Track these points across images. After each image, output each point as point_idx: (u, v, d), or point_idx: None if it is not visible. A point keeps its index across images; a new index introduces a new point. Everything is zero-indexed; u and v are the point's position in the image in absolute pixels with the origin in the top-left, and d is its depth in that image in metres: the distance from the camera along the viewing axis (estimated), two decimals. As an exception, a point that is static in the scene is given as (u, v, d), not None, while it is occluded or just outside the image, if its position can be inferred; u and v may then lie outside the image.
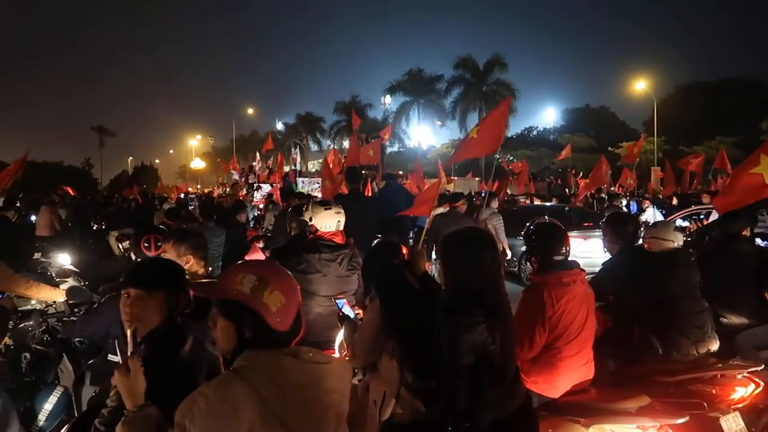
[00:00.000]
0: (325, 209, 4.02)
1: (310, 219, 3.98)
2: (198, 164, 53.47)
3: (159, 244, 4.03)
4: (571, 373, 3.16)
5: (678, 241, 4.02)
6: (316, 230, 3.95)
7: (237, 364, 1.68)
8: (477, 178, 30.42)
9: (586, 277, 3.38)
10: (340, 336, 3.19)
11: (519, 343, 3.11)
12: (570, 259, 3.34)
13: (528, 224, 3.57)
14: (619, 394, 2.92)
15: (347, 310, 3.17)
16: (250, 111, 58.15)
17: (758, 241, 6.28)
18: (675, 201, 14.08)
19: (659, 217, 11.81)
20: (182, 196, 22.11)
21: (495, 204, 9.94)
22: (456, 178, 30.10)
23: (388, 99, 51.33)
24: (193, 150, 69.39)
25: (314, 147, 56.94)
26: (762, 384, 3.33)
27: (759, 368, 3.36)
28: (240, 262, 1.92)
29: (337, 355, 3.28)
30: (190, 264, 3.21)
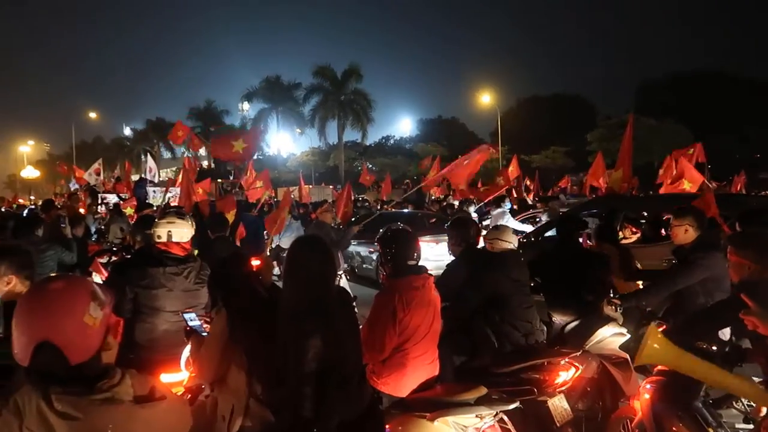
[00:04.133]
0: (159, 219, 3.87)
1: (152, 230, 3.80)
2: (31, 173, 48.11)
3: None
4: (418, 371, 3.32)
5: (514, 242, 4.41)
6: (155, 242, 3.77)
7: None
8: (330, 186, 30.82)
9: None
10: (186, 352, 3.07)
11: (370, 346, 3.23)
12: (420, 263, 3.52)
13: (382, 230, 3.71)
14: (460, 387, 3.12)
15: (195, 324, 3.05)
16: (93, 115, 53.60)
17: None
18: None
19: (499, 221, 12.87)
20: (11, 207, 19.78)
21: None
22: (311, 186, 30.26)
23: (246, 105, 50.30)
24: (25, 157, 62.30)
25: (167, 154, 53.94)
26: (581, 367, 3.77)
27: (578, 353, 3.80)
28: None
29: (183, 371, 3.16)
30: (13, 284, 2.90)
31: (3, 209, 17.69)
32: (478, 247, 4.86)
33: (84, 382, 1.49)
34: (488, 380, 3.33)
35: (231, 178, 22.62)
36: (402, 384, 3.28)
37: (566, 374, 3.70)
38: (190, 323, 3.00)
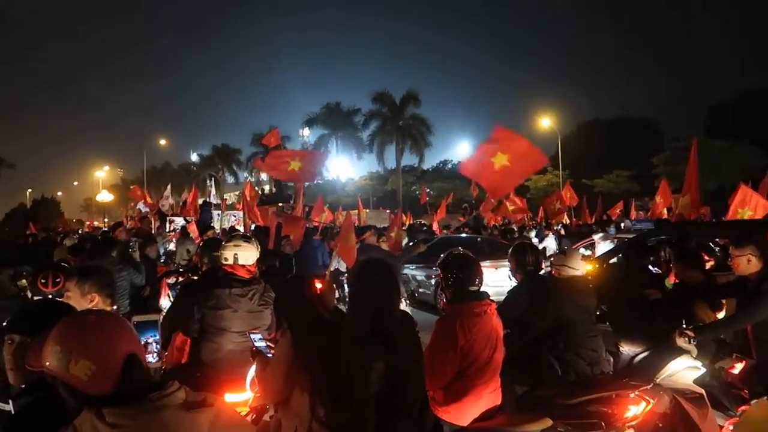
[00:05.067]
0: (226, 242, 3.98)
1: (221, 253, 3.92)
2: (105, 197, 50.90)
3: (57, 280, 3.81)
4: (479, 400, 3.26)
5: (582, 269, 4.29)
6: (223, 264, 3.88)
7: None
8: (387, 210, 30.93)
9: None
10: (251, 372, 3.13)
11: (431, 372, 3.19)
12: (482, 289, 3.48)
13: (443, 255, 3.69)
14: (523, 418, 3.03)
15: (261, 345, 3.11)
16: (163, 142, 56.33)
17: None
18: (562, 231, 14.89)
19: (554, 246, 12.63)
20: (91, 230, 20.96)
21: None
22: (368, 210, 30.49)
23: (306, 131, 51.53)
24: (101, 182, 65.92)
25: (230, 179, 55.86)
26: (652, 401, 3.59)
27: (648, 386, 3.62)
28: (56, 327, 1.67)
29: (248, 391, 3.21)
30: (96, 302, 3.04)
31: (81, 231, 18.75)
32: (541, 272, 4.76)
33: (136, 394, 1.59)
34: (553, 412, 3.22)
35: (291, 202, 23.14)
36: (463, 412, 3.23)
37: (636, 408, 3.52)
38: (257, 344, 3.06)
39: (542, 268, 4.95)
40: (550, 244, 12.97)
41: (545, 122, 39.41)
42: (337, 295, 10.55)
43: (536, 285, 4.39)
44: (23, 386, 1.97)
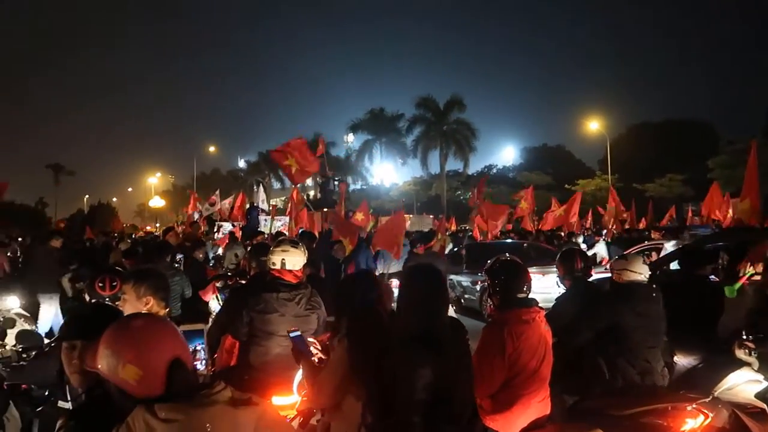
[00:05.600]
0: (274, 247, 4.04)
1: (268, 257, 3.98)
2: (157, 202, 52.61)
3: (114, 284, 3.95)
4: (528, 409, 3.19)
5: (645, 274, 4.15)
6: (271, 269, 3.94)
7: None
8: (431, 216, 30.78)
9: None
10: (299, 376, 3.16)
11: (478, 380, 3.14)
12: (530, 296, 3.42)
13: (490, 261, 3.65)
14: (573, 428, 2.97)
15: (303, 346, 3.12)
16: (212, 149, 57.97)
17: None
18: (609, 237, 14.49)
19: (605, 252, 12.30)
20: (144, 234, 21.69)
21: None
22: (412, 215, 30.43)
23: (350, 137, 51.98)
24: (153, 188, 68.21)
25: (277, 185, 56.78)
26: (710, 415, 3.44)
27: (707, 399, 3.48)
28: (106, 331, 1.73)
29: (296, 395, 3.25)
30: (150, 305, 3.13)
31: (134, 236, 19.42)
32: (590, 279, 4.64)
33: (186, 393, 1.63)
34: (604, 423, 3.14)
35: (336, 207, 23.34)
36: (510, 421, 3.17)
37: (693, 422, 3.38)
38: (292, 335, 3.07)
39: (591, 275, 4.82)
40: (601, 250, 12.65)
41: (593, 125, 38.58)
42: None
43: (586, 292, 4.28)
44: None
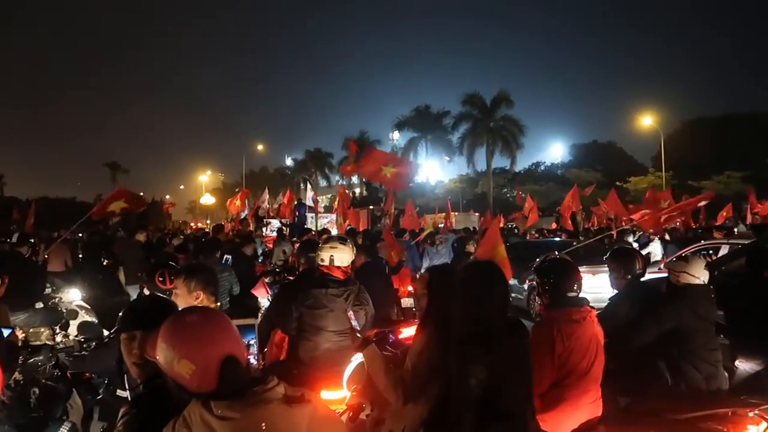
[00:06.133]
0: (323, 244, 4.08)
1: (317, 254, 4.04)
2: (208, 200, 53.91)
3: (173, 278, 4.07)
4: (578, 411, 3.13)
5: (704, 278, 4.01)
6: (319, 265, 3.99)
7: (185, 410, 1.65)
8: (476, 214, 30.41)
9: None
10: (348, 371, 3.18)
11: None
12: (580, 295, 3.35)
13: (540, 259, 3.59)
14: (627, 430, 2.88)
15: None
16: (260, 147, 58.91)
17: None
18: (667, 236, 13.99)
19: (660, 252, 11.88)
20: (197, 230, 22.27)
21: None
22: (457, 213, 30.13)
23: (396, 134, 52.00)
24: (203, 186, 69.95)
25: (323, 182, 57.38)
26: (774, 422, 3.28)
27: (770, 405, 3.32)
28: (164, 324, 1.78)
29: (345, 390, 3.27)
30: (201, 299, 3.22)
31: (186, 232, 19.98)
32: (648, 278, 4.50)
33: (240, 389, 1.65)
34: (660, 426, 3.04)
35: (382, 204, 23.43)
36: (560, 422, 3.11)
37: (755, 429, 3.23)
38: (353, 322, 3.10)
39: (644, 275, 4.67)
40: (656, 249, 12.24)
41: (646, 120, 37.34)
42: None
43: (641, 293, 4.15)
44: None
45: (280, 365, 4.00)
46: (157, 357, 1.71)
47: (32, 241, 10.40)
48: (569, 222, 18.33)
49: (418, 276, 11.39)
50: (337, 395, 3.36)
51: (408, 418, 2.46)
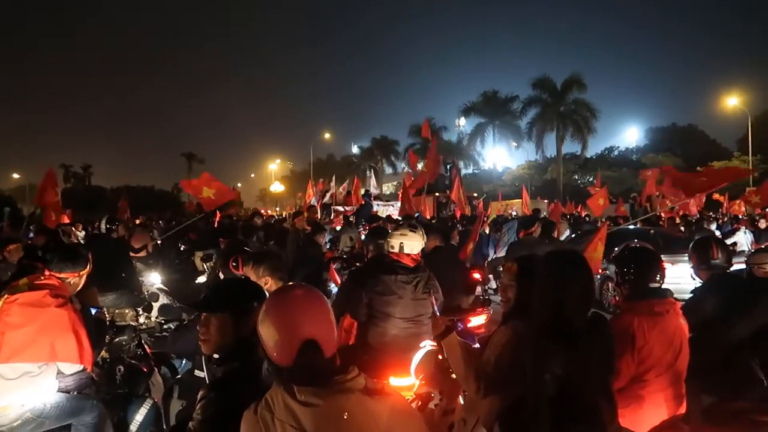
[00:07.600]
0: (393, 231, 4.08)
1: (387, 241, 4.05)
2: (277, 187, 55.40)
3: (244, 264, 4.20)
4: (659, 407, 2.99)
5: None
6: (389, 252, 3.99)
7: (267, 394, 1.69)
8: (545, 201, 29.54)
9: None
10: (416, 358, 3.17)
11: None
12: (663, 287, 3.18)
13: (619, 248, 3.44)
14: (712, 430, 2.72)
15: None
16: (327, 136, 59.65)
17: None
18: (764, 224, 13.13)
19: (748, 241, 11.17)
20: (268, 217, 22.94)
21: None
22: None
23: (462, 121, 51.35)
24: (273, 174, 71.83)
25: (389, 170, 57.56)
26: None
27: None
28: (272, 293, 1.89)
29: (413, 377, 3.27)
30: (269, 285, 3.30)
31: (257, 219, 20.55)
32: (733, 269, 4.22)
33: (324, 376, 1.66)
34: (748, 428, 2.85)
35: (448, 192, 23.24)
36: (639, 419, 2.97)
37: None
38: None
39: (731, 266, 4.39)
40: (741, 239, 11.52)
41: (732, 101, 35.07)
42: (494, 286, 10.41)
43: (727, 284, 3.90)
44: (217, 357, 2.18)
45: (349, 350, 4.04)
46: (258, 326, 1.75)
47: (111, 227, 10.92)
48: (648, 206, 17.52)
49: (485, 264, 11.25)
50: (405, 382, 3.36)
51: (484, 411, 2.42)
